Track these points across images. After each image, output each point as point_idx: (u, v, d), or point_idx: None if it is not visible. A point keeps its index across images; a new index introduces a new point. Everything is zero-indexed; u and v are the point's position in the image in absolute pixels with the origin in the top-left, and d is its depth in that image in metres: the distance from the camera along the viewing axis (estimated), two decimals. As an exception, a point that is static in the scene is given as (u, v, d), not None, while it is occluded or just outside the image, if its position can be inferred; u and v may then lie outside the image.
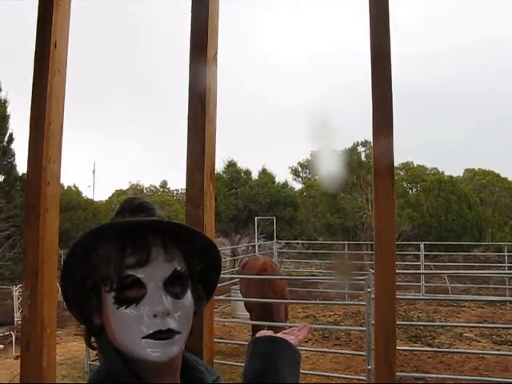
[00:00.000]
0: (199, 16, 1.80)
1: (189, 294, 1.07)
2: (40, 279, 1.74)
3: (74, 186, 22.87)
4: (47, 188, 1.80)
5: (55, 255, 1.81)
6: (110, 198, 34.61)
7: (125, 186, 36.57)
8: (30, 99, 1.80)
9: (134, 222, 1.06)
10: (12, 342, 10.25)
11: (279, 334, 1.52)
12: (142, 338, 1.00)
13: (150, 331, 1.00)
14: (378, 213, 1.87)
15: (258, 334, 1.55)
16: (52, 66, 1.75)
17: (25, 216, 1.79)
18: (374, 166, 1.82)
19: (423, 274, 14.27)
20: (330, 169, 19.67)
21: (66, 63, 1.84)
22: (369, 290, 6.95)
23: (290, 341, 1.51)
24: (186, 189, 1.71)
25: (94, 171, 32.30)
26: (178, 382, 1.10)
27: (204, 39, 1.74)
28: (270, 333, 1.54)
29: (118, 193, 37.12)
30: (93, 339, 1.12)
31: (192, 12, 1.83)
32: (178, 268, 1.05)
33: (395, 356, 1.90)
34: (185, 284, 1.07)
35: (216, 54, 1.82)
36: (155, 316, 1.00)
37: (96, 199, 27.36)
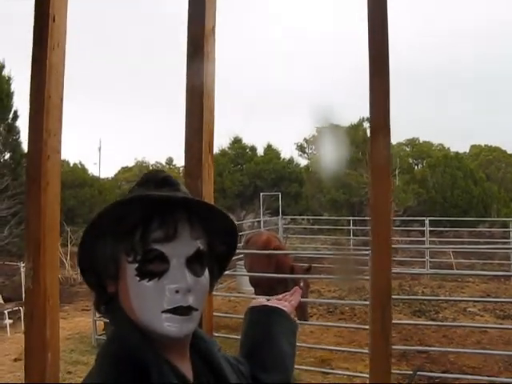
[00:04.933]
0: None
1: (207, 273, 1.08)
2: (42, 251, 1.77)
3: (80, 164, 22.87)
4: (47, 161, 1.82)
5: (57, 228, 1.84)
6: (115, 175, 34.67)
7: (130, 163, 36.54)
8: (30, 73, 1.81)
9: (165, 196, 1.06)
10: (20, 317, 10.39)
11: (273, 302, 1.53)
12: (162, 312, 1.01)
13: (171, 306, 1.01)
14: (374, 183, 1.90)
15: (254, 303, 1.57)
16: (51, 39, 1.75)
17: (26, 189, 1.81)
18: (370, 130, 1.85)
19: (428, 249, 14.30)
20: (335, 145, 19.58)
21: (66, 37, 1.84)
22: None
23: (285, 308, 1.52)
24: (185, 161, 1.73)
25: (99, 148, 32.25)
26: (187, 355, 1.12)
27: (201, 9, 1.73)
28: (264, 301, 1.56)
29: (124, 170, 37.15)
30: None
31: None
32: (201, 247, 1.06)
33: (391, 328, 1.93)
34: (204, 263, 1.08)
35: (214, 26, 1.82)
36: (177, 292, 1.01)
37: (102, 176, 27.40)
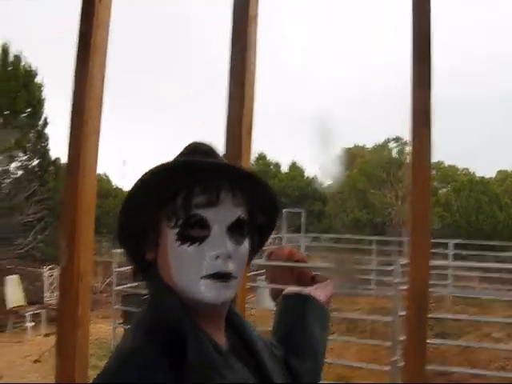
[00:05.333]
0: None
1: (247, 244, 1.08)
2: (78, 231, 1.79)
3: (105, 175, 23.14)
4: (87, 142, 1.85)
5: (93, 209, 1.85)
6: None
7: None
8: (75, 55, 1.84)
9: (209, 162, 1.06)
10: (41, 320, 10.50)
11: (307, 290, 1.53)
12: (201, 277, 1.01)
13: (210, 272, 1.01)
14: (414, 179, 1.88)
15: (287, 291, 1.56)
16: (97, 20, 1.78)
17: (66, 168, 1.84)
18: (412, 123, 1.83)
19: (452, 267, 14.05)
20: (359, 165, 19.57)
21: (110, 19, 1.87)
22: (396, 280, 6.91)
23: (319, 297, 1.52)
24: (225, 143, 1.73)
25: (124, 161, 32.58)
26: (223, 328, 1.11)
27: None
28: (297, 289, 1.55)
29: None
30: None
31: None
32: (242, 215, 1.06)
33: (425, 345, 1.89)
34: (245, 232, 1.07)
35: (257, 15, 1.83)
36: (217, 258, 1.01)
37: (126, 189, 27.64)
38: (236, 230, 1.04)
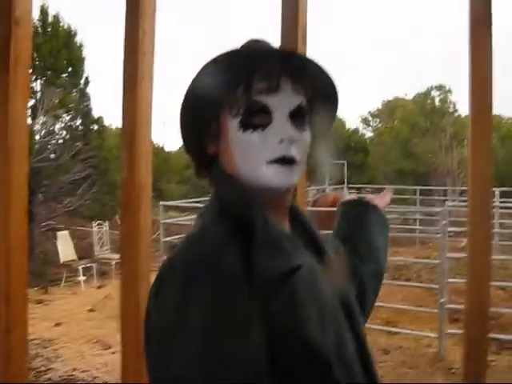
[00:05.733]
0: None
1: (308, 132, 1.08)
2: (137, 141, 1.82)
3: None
4: (144, 58, 1.87)
5: (150, 121, 1.88)
6: (179, 148, 35.17)
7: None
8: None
9: (268, 49, 1.07)
10: (93, 274, 10.87)
11: (366, 197, 1.53)
12: (266, 162, 1.01)
13: (275, 156, 1.01)
14: (473, 134, 1.81)
15: (345, 199, 1.56)
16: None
17: (123, 85, 1.87)
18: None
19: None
20: (401, 114, 19.20)
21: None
22: (444, 222, 6.87)
23: (378, 204, 1.52)
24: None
25: (164, 123, 32.79)
26: (287, 218, 1.12)
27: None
28: (357, 196, 1.56)
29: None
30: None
31: None
32: (303, 102, 1.05)
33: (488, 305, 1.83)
34: (306, 120, 1.07)
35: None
36: (281, 142, 1.01)
37: (166, 148, 27.89)
38: (297, 117, 1.04)
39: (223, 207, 1.03)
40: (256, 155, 1.01)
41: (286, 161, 1.01)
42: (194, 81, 1.06)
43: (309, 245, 1.12)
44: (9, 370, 1.98)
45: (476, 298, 1.79)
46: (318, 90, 1.10)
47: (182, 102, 1.08)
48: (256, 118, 1.02)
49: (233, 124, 1.03)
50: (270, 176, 1.01)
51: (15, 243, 1.98)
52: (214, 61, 1.03)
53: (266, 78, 1.02)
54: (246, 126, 1.02)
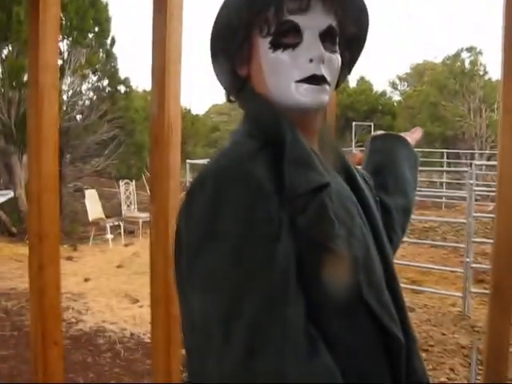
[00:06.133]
0: None
1: (338, 55, 1.06)
2: (167, 78, 1.82)
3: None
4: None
5: (180, 58, 1.87)
6: (206, 112, 35.29)
7: (220, 101, 36.97)
8: None
9: None
10: (121, 232, 11.04)
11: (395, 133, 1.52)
12: (296, 81, 1.01)
13: (305, 75, 1.00)
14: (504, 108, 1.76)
15: (375, 133, 1.56)
16: None
17: (152, 18, 1.86)
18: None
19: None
20: (430, 77, 18.81)
21: None
22: (471, 181, 6.78)
23: (408, 139, 1.51)
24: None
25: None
26: (317, 138, 1.11)
27: None
28: (386, 132, 1.55)
29: (215, 107, 37.76)
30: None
31: None
32: (333, 24, 1.04)
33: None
34: (336, 41, 1.05)
35: None
36: (311, 61, 1.00)
37: (192, 111, 27.91)
38: (328, 37, 1.03)
39: (254, 125, 1.03)
40: (286, 74, 1.01)
41: (317, 79, 1.01)
42: (225, 2, 1.06)
43: (339, 169, 1.12)
44: (43, 305, 2.04)
45: (503, 253, 1.78)
46: (349, 13, 1.08)
47: (213, 24, 1.08)
48: (286, 38, 1.01)
49: (264, 44, 1.03)
50: (301, 95, 1.01)
51: (46, 183, 2.01)
52: None
53: None
54: (276, 45, 1.01)
